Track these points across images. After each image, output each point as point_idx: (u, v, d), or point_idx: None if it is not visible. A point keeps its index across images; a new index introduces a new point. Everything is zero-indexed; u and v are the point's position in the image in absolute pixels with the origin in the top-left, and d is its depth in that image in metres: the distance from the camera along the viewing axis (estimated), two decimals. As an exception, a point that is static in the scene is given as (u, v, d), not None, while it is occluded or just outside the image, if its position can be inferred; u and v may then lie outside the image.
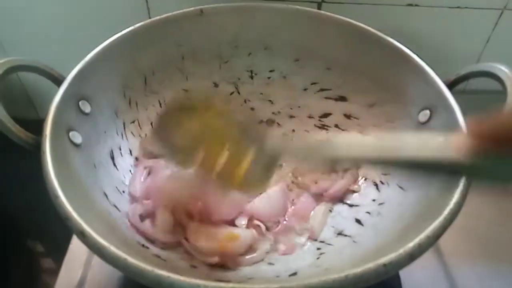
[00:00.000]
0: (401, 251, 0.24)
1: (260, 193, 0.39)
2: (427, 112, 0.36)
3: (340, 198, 0.40)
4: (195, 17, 0.43)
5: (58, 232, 0.40)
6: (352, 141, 0.28)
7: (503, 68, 0.33)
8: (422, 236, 0.25)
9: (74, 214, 0.25)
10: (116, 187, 0.37)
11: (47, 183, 0.27)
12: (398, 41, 0.38)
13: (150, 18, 0.42)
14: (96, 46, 0.37)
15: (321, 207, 0.40)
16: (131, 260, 0.23)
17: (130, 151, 0.41)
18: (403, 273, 0.39)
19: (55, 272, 0.41)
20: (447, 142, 0.22)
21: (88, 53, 0.37)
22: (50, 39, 0.53)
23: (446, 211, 0.26)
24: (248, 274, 0.33)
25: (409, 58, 0.37)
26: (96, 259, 0.41)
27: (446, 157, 0.21)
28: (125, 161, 0.40)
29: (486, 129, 0.19)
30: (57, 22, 0.52)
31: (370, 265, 0.23)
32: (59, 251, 0.43)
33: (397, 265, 0.24)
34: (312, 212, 0.39)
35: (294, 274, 0.32)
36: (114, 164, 0.38)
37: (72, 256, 0.42)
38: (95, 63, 0.37)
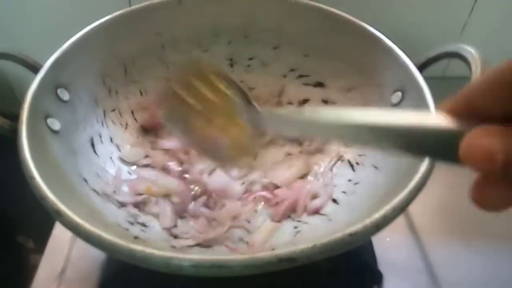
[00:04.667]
0: (367, 221, 0.25)
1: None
2: (399, 93, 0.37)
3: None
4: (173, 6, 0.43)
5: (42, 225, 0.41)
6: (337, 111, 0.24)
7: (469, 49, 0.33)
8: (388, 207, 0.26)
9: (50, 194, 0.26)
10: (97, 173, 0.37)
11: (23, 166, 0.28)
12: (375, 28, 0.39)
13: (130, 6, 0.42)
14: (75, 34, 0.38)
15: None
16: (106, 236, 0.24)
17: (111, 139, 0.41)
18: (379, 252, 0.40)
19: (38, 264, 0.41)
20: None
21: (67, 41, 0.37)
22: (29, 27, 0.52)
23: (411, 185, 0.27)
24: (226, 254, 0.34)
25: (380, 40, 0.37)
26: (76, 251, 0.41)
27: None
28: (106, 148, 0.40)
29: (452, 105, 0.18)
30: (35, 10, 0.51)
31: (337, 235, 0.24)
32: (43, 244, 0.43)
33: (363, 235, 0.25)
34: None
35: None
36: (95, 151, 0.39)
37: (53, 248, 0.42)
38: (73, 51, 0.37)
